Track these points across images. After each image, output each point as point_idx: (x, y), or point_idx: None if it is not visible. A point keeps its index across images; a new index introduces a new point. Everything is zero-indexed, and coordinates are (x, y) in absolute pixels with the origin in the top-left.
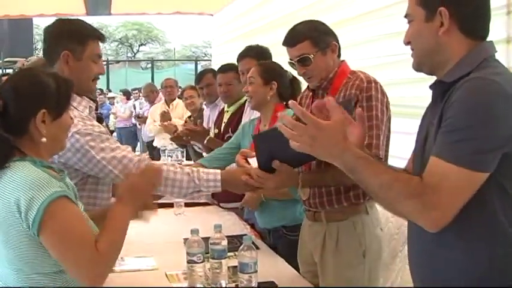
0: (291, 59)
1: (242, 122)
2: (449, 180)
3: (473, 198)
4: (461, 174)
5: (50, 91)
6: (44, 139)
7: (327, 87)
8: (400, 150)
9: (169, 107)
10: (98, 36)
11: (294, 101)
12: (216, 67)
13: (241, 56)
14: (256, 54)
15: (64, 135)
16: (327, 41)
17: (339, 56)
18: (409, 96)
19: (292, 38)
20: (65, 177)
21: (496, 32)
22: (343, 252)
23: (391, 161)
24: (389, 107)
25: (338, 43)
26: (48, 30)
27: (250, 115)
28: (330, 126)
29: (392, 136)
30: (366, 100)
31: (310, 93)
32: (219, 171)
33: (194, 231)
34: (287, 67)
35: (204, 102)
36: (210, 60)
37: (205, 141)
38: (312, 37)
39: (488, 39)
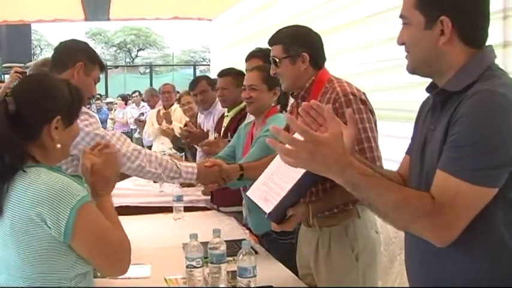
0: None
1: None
2: (461, 197)
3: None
4: (472, 190)
5: (65, 98)
6: (58, 145)
7: (304, 97)
8: (392, 153)
9: None
10: (102, 64)
11: (291, 116)
12: (214, 72)
13: (250, 56)
14: (264, 55)
15: (71, 143)
16: (297, 50)
17: (317, 66)
18: (399, 100)
19: (271, 39)
20: (83, 182)
21: (492, 36)
22: (335, 258)
23: (384, 164)
24: (374, 111)
25: (314, 54)
26: (67, 43)
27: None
28: (329, 141)
29: (384, 139)
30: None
31: (296, 103)
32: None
33: (193, 236)
34: None
35: (199, 109)
36: (209, 65)
37: (203, 145)
38: (283, 43)
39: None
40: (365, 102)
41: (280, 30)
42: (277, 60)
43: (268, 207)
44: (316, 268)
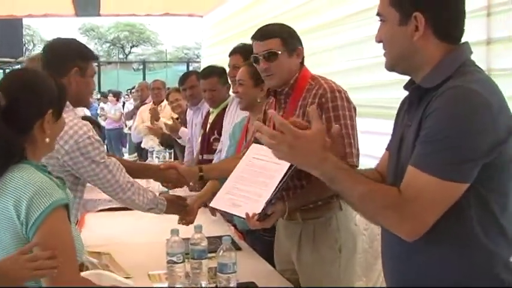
0: (256, 53)
1: (227, 121)
2: (428, 192)
3: (451, 206)
4: (440, 185)
5: (54, 91)
6: (47, 139)
7: (288, 93)
8: (372, 149)
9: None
10: (95, 57)
11: (273, 111)
12: None
13: (233, 51)
14: (245, 51)
15: (57, 136)
16: (294, 44)
17: (302, 62)
18: (381, 97)
19: (263, 33)
20: (66, 187)
21: (476, 33)
22: (320, 249)
23: (364, 160)
24: (356, 110)
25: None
26: (57, 46)
27: (233, 114)
28: (308, 135)
29: (365, 136)
30: (333, 110)
31: (273, 100)
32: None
33: (174, 232)
34: None
35: (187, 104)
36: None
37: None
38: (282, 37)
39: (468, 40)
40: (349, 100)
41: (269, 25)
42: (278, 52)
43: (242, 211)
44: (299, 260)
